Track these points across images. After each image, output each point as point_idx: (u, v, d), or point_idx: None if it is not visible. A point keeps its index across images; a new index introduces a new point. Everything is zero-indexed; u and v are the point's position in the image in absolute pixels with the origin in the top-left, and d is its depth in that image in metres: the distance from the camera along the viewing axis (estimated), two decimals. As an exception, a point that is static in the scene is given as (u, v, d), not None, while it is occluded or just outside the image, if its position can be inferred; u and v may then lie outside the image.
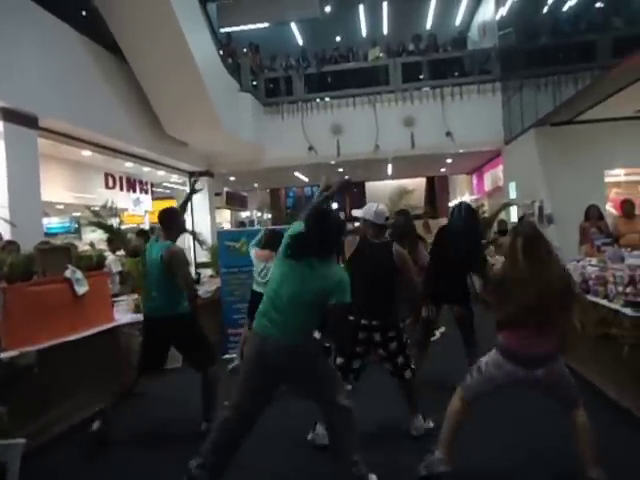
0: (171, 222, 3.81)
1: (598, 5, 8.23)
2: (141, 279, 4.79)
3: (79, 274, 4.24)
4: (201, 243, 8.17)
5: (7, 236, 5.25)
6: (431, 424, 3.50)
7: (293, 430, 3.61)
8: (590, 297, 4.06)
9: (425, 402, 3.61)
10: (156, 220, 4.08)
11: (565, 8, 9.21)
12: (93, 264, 4.72)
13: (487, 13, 12.89)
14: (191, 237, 8.58)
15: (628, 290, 3.66)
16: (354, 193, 24.48)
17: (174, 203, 12.11)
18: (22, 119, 5.71)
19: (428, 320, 4.42)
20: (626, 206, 6.51)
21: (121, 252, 6.38)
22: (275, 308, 2.61)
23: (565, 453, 2.84)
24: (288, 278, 2.63)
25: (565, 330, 2.68)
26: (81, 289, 4.22)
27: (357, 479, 2.62)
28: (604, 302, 3.83)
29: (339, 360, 3.45)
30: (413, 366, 3.56)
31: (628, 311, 3.46)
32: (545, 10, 9.88)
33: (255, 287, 5.16)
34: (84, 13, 7.44)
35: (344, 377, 3.28)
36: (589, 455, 2.64)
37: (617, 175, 9.76)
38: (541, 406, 3.16)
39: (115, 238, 6.42)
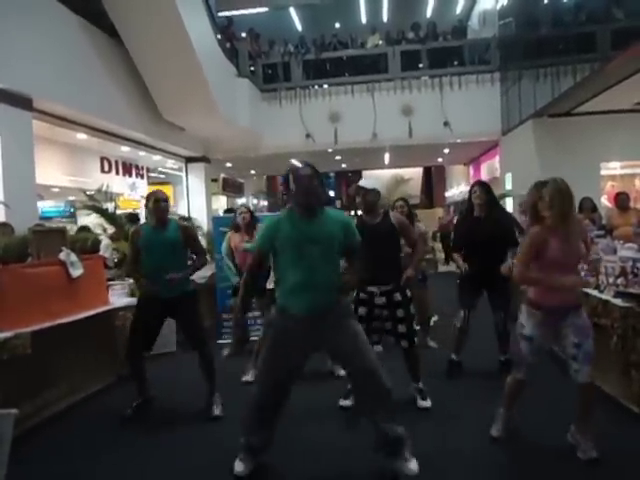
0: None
1: (599, -4, 8.20)
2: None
3: (74, 257, 4.23)
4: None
5: (1, 218, 5.23)
6: (427, 404, 3.61)
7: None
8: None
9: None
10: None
11: (566, -1, 9.17)
12: (88, 247, 4.73)
13: (488, 2, 12.80)
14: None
15: (619, 281, 3.72)
16: (351, 182, 24.48)
17: (170, 188, 12.11)
18: (16, 100, 5.66)
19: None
20: (620, 198, 6.54)
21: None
22: None
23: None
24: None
25: None
26: (76, 272, 4.21)
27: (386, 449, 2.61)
28: (595, 293, 3.88)
29: None
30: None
31: (618, 302, 3.51)
32: (546, 0, 9.82)
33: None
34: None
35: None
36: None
37: (613, 168, 9.80)
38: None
39: (114, 226, 6.37)
